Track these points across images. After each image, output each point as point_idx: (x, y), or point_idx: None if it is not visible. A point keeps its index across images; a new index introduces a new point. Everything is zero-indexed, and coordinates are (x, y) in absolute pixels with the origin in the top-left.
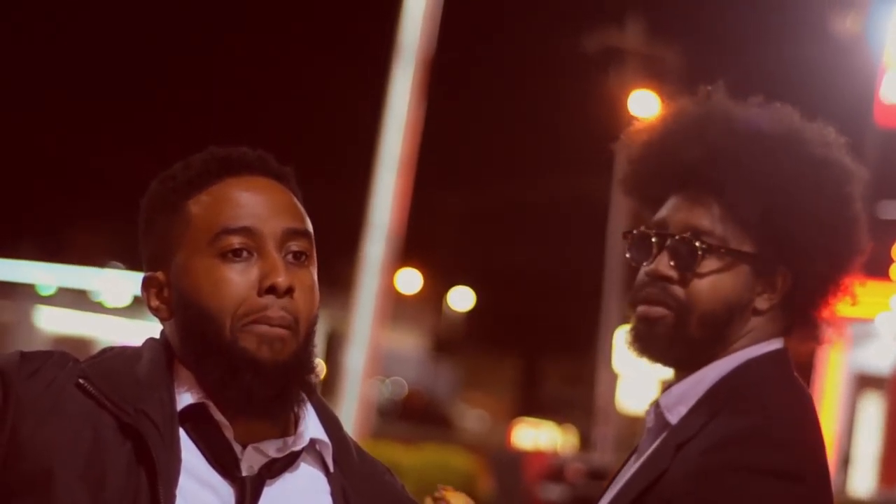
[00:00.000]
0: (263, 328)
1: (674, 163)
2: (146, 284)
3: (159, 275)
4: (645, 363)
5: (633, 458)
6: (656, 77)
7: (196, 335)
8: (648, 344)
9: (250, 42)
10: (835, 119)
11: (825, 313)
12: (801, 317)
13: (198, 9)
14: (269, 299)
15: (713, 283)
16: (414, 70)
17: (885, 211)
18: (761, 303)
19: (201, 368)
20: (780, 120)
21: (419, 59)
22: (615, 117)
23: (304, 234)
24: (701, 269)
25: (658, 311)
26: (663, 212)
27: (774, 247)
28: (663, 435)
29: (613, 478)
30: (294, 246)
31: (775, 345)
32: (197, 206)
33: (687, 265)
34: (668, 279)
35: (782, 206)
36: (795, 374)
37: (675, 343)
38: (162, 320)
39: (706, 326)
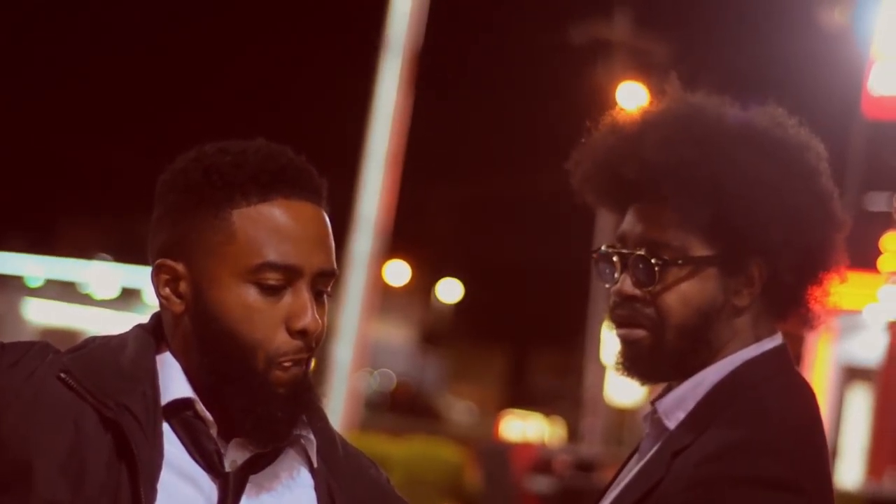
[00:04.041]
0: (292, 368)
1: (617, 180)
2: (158, 269)
3: (179, 267)
4: (636, 384)
5: (634, 459)
6: (644, 69)
7: (219, 354)
8: (634, 366)
9: (237, 36)
10: (823, 111)
11: (816, 294)
12: (792, 303)
13: (186, 6)
14: (297, 340)
15: (681, 294)
16: (401, 63)
17: (873, 202)
18: (740, 299)
19: (218, 385)
20: (720, 118)
21: (406, 52)
22: (603, 110)
23: (333, 274)
24: (664, 284)
25: (635, 333)
26: (624, 225)
27: (737, 244)
28: (661, 441)
29: (615, 477)
30: (322, 285)
31: (772, 342)
32: (242, 220)
33: (648, 282)
34: (634, 299)
35: (730, 206)
36: (796, 370)
37: (659, 361)
38: (169, 311)
39: (685, 338)
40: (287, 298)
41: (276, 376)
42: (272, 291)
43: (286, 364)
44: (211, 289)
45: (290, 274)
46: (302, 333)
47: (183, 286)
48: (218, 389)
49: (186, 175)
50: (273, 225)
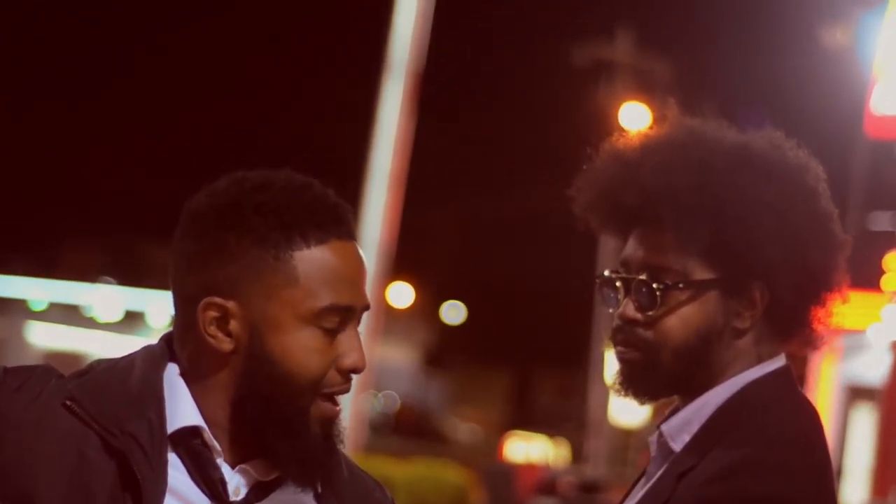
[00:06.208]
0: (333, 405)
1: (618, 207)
2: (206, 306)
3: (230, 305)
4: (633, 402)
5: (641, 482)
6: (647, 90)
7: (271, 395)
8: (629, 385)
9: (241, 57)
10: (826, 131)
11: (819, 315)
12: (795, 324)
13: (191, 26)
14: (345, 377)
15: (681, 317)
16: (404, 84)
17: (876, 222)
18: (741, 322)
19: (262, 426)
20: (718, 142)
21: (409, 74)
22: (605, 130)
23: (369, 307)
24: (666, 307)
25: (630, 354)
26: (626, 250)
27: (737, 267)
28: (667, 463)
29: (623, 501)
30: (361, 317)
31: (776, 363)
32: (304, 263)
33: (650, 306)
34: (635, 322)
35: (730, 229)
36: (800, 391)
37: (653, 380)
38: (214, 349)
39: (681, 360)
40: (339, 337)
41: (316, 409)
42: (330, 332)
43: (328, 397)
44: (271, 331)
45: (347, 314)
46: (353, 371)
47: (234, 325)
48: (260, 430)
49: (237, 211)
50: (331, 267)
